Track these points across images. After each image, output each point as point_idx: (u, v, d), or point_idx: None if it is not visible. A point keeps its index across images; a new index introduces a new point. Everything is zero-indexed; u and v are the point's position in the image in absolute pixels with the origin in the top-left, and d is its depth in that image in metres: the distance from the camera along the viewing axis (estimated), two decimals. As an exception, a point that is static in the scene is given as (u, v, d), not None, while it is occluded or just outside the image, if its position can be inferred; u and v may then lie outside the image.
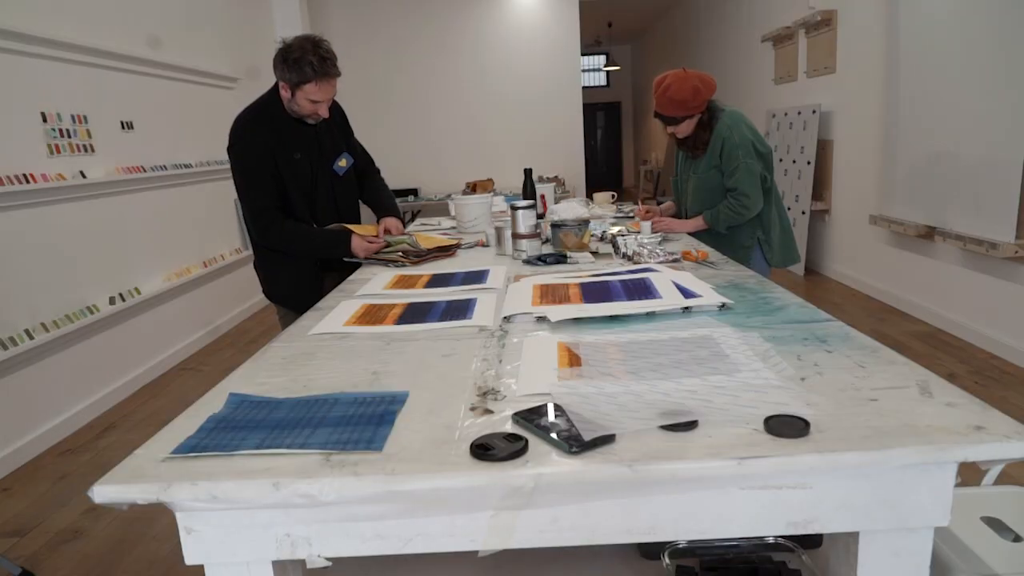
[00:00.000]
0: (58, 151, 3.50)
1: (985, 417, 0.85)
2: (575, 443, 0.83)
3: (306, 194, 2.28)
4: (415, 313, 1.55)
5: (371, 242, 2.26)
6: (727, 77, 7.97)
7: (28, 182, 3.23)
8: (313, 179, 2.30)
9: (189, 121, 4.88)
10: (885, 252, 4.90)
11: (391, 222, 2.43)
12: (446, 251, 2.33)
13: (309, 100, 2.13)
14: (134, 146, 4.19)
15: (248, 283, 5.17)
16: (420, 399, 1.03)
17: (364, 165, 2.55)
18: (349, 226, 2.32)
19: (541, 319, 1.43)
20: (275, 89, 2.20)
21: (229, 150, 2.21)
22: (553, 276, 1.84)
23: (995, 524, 1.21)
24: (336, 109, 2.41)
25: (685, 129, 2.60)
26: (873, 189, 4.93)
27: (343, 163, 2.38)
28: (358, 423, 0.94)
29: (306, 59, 2.05)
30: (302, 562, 0.88)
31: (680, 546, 1.13)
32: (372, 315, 1.56)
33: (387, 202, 2.55)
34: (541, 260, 2.11)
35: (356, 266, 2.27)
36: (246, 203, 2.21)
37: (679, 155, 2.83)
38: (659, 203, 3.08)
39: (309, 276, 2.32)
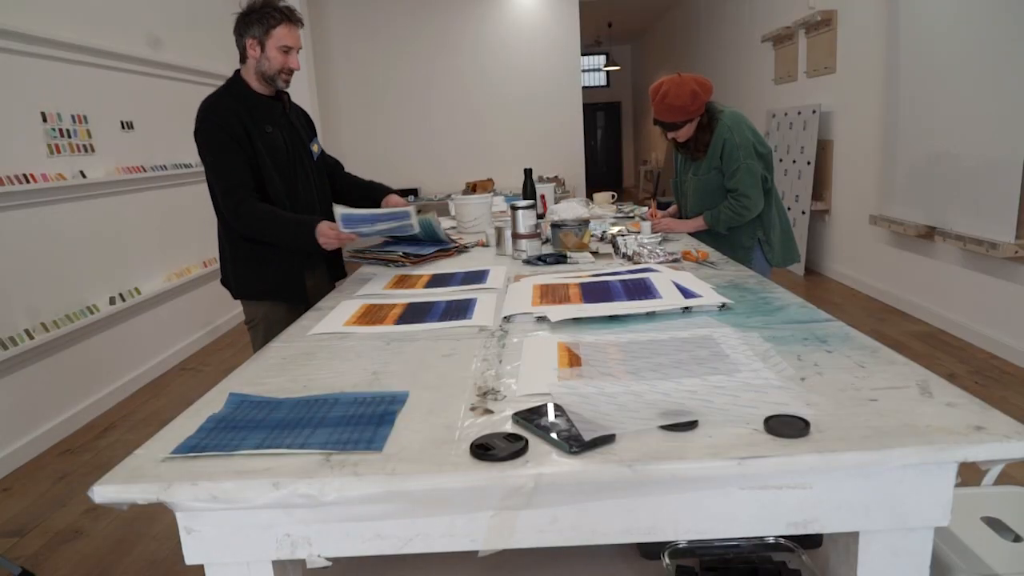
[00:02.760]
0: (58, 151, 3.50)
1: (985, 417, 0.85)
2: (575, 443, 0.83)
3: (283, 171, 2.15)
4: (415, 313, 1.55)
5: (341, 236, 2.02)
6: (727, 77, 7.97)
7: (28, 182, 3.23)
8: (289, 155, 2.18)
9: (189, 121, 4.84)
10: (885, 252, 4.89)
11: (395, 199, 2.38)
12: (446, 251, 2.33)
13: (280, 48, 2.07)
14: (134, 146, 4.19)
15: (248, 283, 5.15)
16: (420, 399, 1.03)
17: (333, 165, 2.47)
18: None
19: (541, 319, 1.43)
20: (236, 74, 2.16)
21: (196, 133, 2.08)
22: (553, 276, 1.84)
23: (995, 524, 1.21)
24: (300, 110, 2.36)
25: (685, 133, 2.60)
26: (873, 189, 4.93)
27: (316, 148, 2.32)
28: (358, 423, 0.94)
29: (269, 8, 2.07)
30: (302, 562, 0.88)
31: (680, 546, 1.13)
32: (372, 315, 1.56)
33: (378, 184, 2.48)
34: (541, 260, 2.11)
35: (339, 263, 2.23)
36: (219, 180, 2.05)
37: (678, 156, 2.83)
38: (660, 204, 3.08)
39: (296, 266, 2.17)
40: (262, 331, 2.23)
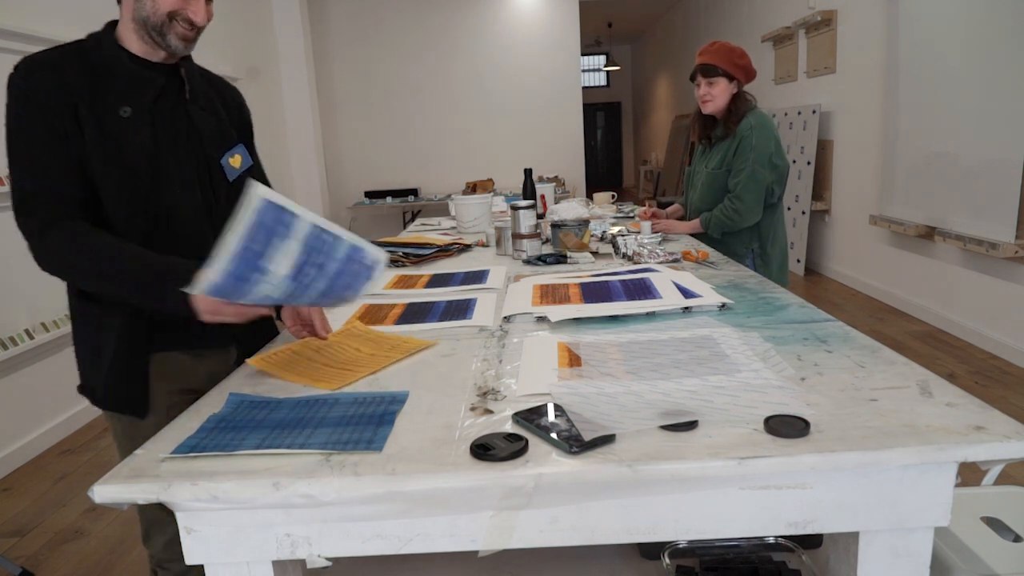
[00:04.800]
0: (58, 151, 3.50)
1: (985, 417, 0.85)
2: (575, 443, 0.83)
3: (135, 182, 1.26)
4: (415, 313, 1.55)
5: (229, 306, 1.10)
6: (727, 77, 7.97)
7: (28, 182, 3.23)
8: (153, 159, 1.27)
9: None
10: (885, 252, 4.90)
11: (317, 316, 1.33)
12: (446, 251, 2.33)
13: None
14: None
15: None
16: (420, 399, 1.03)
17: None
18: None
19: (541, 319, 1.43)
20: (106, 27, 1.31)
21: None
22: (553, 276, 1.84)
23: (995, 524, 1.21)
24: (232, 102, 1.50)
25: (720, 93, 2.49)
26: (873, 189, 4.93)
27: (236, 162, 1.41)
28: (358, 423, 0.94)
29: None
30: (302, 562, 0.88)
31: (680, 546, 1.13)
32: (372, 315, 1.56)
33: None
34: (541, 260, 2.11)
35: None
36: (15, 184, 1.22)
37: (697, 147, 2.79)
38: (660, 204, 3.07)
39: (125, 351, 1.31)
40: (117, 448, 1.40)
